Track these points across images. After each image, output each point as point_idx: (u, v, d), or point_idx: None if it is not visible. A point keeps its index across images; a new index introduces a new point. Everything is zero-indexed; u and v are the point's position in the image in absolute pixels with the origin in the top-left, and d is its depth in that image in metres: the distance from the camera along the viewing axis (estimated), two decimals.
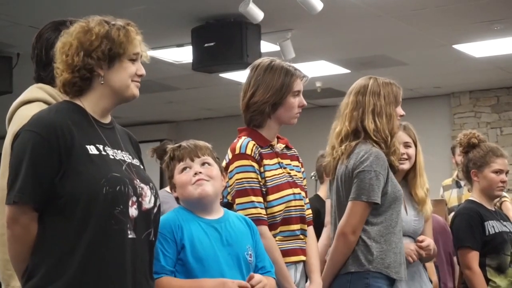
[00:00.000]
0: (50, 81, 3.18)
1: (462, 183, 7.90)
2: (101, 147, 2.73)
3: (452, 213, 5.69)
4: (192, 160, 3.14)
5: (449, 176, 8.82)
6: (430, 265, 5.51)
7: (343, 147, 3.87)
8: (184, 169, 3.14)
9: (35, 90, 3.20)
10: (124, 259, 2.68)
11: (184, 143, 3.20)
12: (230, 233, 3.14)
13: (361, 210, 3.76)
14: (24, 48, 8.07)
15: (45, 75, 3.21)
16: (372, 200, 3.75)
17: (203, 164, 3.14)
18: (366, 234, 3.78)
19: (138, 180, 2.75)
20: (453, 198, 7.73)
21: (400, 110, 4.01)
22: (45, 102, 3.13)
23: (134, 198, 2.71)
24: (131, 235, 2.69)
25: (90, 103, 2.79)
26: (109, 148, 2.75)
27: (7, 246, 2.69)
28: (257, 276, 3.09)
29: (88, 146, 2.69)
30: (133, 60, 2.80)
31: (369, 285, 3.74)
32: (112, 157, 2.74)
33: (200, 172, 3.11)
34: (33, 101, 3.15)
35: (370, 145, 3.85)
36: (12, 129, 3.11)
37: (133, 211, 2.70)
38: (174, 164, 3.17)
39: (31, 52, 3.27)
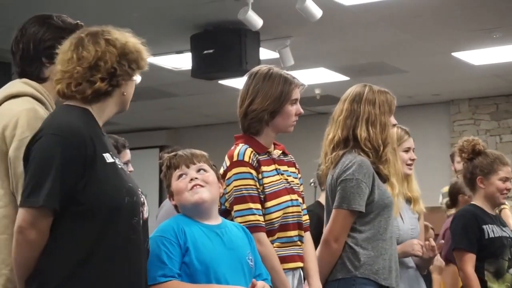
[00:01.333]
0: (37, 77, 3.12)
1: None
2: (111, 155, 2.75)
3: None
4: (188, 167, 3.15)
5: (448, 183, 8.83)
6: (437, 278, 5.54)
7: (332, 155, 3.88)
8: (180, 176, 3.14)
9: (21, 85, 3.10)
10: (141, 267, 2.73)
11: (180, 152, 3.21)
12: (231, 238, 3.15)
13: (343, 218, 3.78)
14: None
15: (30, 71, 3.15)
16: (352, 208, 3.77)
17: (198, 170, 3.15)
18: (353, 241, 3.80)
19: (139, 190, 2.78)
20: None
21: (393, 120, 4.01)
22: (34, 97, 3.06)
23: (141, 208, 2.75)
24: (142, 244, 2.75)
25: (100, 110, 2.78)
26: (115, 157, 2.78)
27: (15, 251, 2.63)
28: (259, 283, 3.10)
29: (104, 155, 2.70)
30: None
31: None
32: (120, 166, 2.77)
33: (196, 178, 3.12)
34: (20, 95, 3.07)
35: (356, 154, 3.85)
36: (0, 124, 3.03)
37: (141, 222, 2.75)
38: (171, 172, 3.18)
39: (12, 46, 3.17)
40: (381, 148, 3.89)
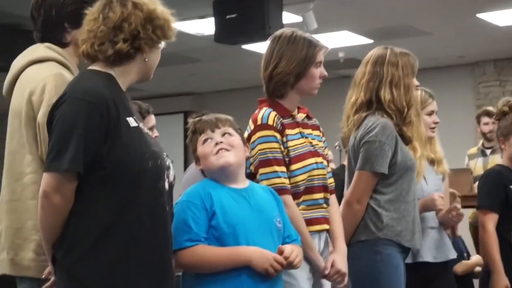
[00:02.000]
0: (59, 42, 3.12)
1: (488, 151, 7.89)
2: (136, 119, 2.76)
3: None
4: (213, 131, 3.15)
5: (474, 145, 8.80)
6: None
7: (355, 118, 3.88)
8: (205, 140, 3.15)
9: (44, 50, 3.11)
10: (167, 231, 2.75)
11: (205, 117, 3.22)
12: (258, 201, 3.15)
13: (366, 180, 3.79)
14: None
15: (52, 36, 3.14)
16: (375, 170, 3.77)
17: (223, 134, 3.15)
18: (376, 203, 3.81)
19: (164, 154, 2.79)
20: (478, 167, 7.72)
21: (415, 81, 4.00)
22: (58, 62, 3.06)
23: (166, 173, 2.77)
24: (167, 208, 2.77)
25: (122, 75, 2.79)
26: (139, 121, 2.79)
27: (41, 215, 2.65)
28: (287, 247, 3.09)
29: (128, 119, 2.70)
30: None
31: (379, 252, 3.77)
32: (145, 131, 2.77)
33: (221, 142, 3.12)
34: (45, 60, 3.07)
35: (380, 116, 3.85)
36: (25, 89, 3.03)
37: (166, 185, 2.77)
38: (196, 137, 3.18)
39: (32, 11, 3.17)
40: (405, 110, 3.89)
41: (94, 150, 2.61)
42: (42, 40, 3.16)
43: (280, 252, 3.05)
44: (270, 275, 3.01)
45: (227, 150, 3.12)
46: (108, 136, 2.63)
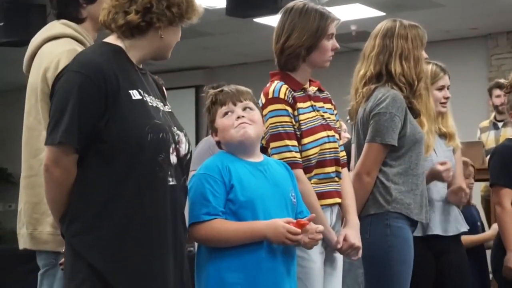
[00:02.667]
0: (75, 18, 3.14)
1: (500, 124, 7.86)
2: (142, 92, 2.74)
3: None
4: (235, 105, 3.14)
5: (486, 118, 8.76)
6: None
7: (364, 90, 3.87)
8: (226, 113, 3.14)
9: (60, 26, 3.13)
10: (166, 205, 2.71)
11: (226, 88, 3.20)
12: (275, 175, 3.16)
13: (376, 152, 3.79)
14: None
15: (68, 12, 3.16)
16: (386, 142, 3.77)
17: (244, 108, 3.14)
18: (384, 176, 3.81)
19: (175, 127, 2.78)
20: (490, 140, 7.70)
21: (424, 54, 3.99)
22: (74, 38, 3.09)
23: (173, 145, 2.74)
24: (172, 182, 2.73)
25: (135, 49, 2.78)
26: (146, 95, 2.76)
27: (45, 189, 2.68)
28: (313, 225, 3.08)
29: (131, 91, 2.69)
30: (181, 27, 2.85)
31: (389, 226, 3.77)
32: (150, 104, 2.75)
33: (243, 116, 3.12)
34: (60, 37, 3.10)
35: (390, 87, 3.84)
36: (41, 65, 3.06)
37: (173, 158, 2.74)
38: (216, 108, 3.17)
39: None
40: (416, 83, 3.88)
41: (91, 123, 2.61)
42: (58, 17, 3.18)
43: (298, 224, 3.03)
44: (288, 245, 3.02)
45: (248, 124, 3.12)
46: (107, 109, 2.62)
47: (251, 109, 3.16)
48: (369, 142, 3.83)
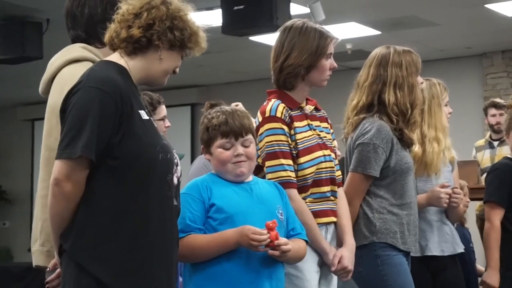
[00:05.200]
0: (99, 41, 3.15)
1: (495, 143, 7.86)
2: (148, 112, 2.78)
3: (485, 174, 5.69)
4: (236, 140, 3.15)
5: (482, 137, 8.77)
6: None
7: (354, 119, 3.87)
8: (226, 146, 3.15)
9: (80, 50, 3.16)
10: (172, 225, 2.76)
11: (230, 120, 3.16)
12: (261, 193, 3.18)
13: (357, 181, 3.80)
14: (54, 13, 8.10)
15: (95, 35, 3.15)
16: (367, 172, 3.77)
17: (243, 142, 3.15)
18: (368, 206, 3.81)
19: (173, 149, 2.80)
20: (486, 159, 7.69)
21: (419, 79, 3.99)
22: (94, 62, 3.11)
23: (175, 167, 2.78)
24: (175, 202, 2.78)
25: (135, 69, 2.79)
26: (149, 115, 2.79)
27: (51, 203, 2.65)
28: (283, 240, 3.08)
29: (140, 111, 2.71)
30: (181, 57, 2.86)
31: (378, 256, 3.76)
32: (155, 125, 2.79)
33: (242, 154, 3.13)
34: (81, 60, 3.12)
35: (377, 118, 3.82)
36: (64, 87, 3.04)
37: (175, 179, 2.78)
38: (216, 135, 3.16)
39: (73, 10, 3.22)
40: (409, 111, 3.86)
41: (107, 139, 2.62)
42: (75, 40, 3.20)
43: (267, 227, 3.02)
44: (259, 251, 3.01)
45: (244, 161, 3.14)
46: (121, 126, 2.64)
47: (249, 142, 3.17)
48: (351, 171, 3.83)
